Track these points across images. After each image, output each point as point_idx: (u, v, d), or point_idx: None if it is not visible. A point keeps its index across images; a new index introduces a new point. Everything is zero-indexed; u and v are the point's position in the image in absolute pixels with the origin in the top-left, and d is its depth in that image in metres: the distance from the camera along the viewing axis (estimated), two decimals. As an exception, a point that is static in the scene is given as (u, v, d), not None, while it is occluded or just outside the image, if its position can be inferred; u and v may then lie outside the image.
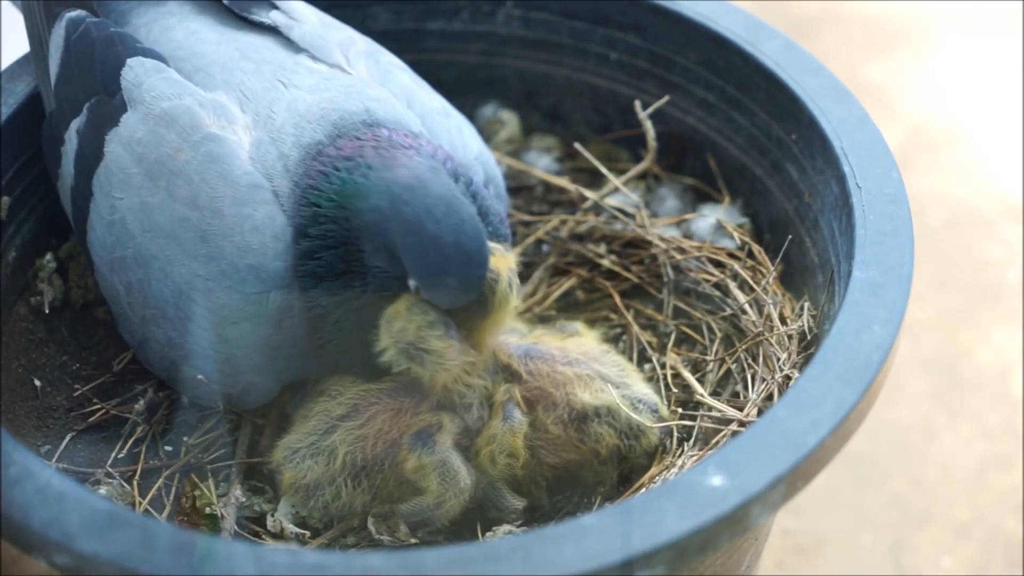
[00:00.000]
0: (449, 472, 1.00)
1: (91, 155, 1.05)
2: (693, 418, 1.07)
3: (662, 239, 1.20)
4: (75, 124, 1.07)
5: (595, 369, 1.05)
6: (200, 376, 1.03)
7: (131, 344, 1.09)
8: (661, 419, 1.05)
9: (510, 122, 1.31)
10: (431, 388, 1.02)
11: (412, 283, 0.97)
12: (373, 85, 1.08)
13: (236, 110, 1.03)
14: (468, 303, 0.99)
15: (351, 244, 0.98)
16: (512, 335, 1.07)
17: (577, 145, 1.26)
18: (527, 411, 1.03)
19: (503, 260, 1.00)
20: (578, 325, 1.11)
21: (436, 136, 1.06)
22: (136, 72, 1.05)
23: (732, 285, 1.15)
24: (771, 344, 1.08)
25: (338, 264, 0.99)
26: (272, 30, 1.11)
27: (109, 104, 1.06)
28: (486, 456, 1.02)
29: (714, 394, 1.10)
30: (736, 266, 1.16)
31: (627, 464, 1.06)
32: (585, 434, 1.03)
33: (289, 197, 1.00)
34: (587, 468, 1.05)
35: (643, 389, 1.06)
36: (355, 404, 1.03)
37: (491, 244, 0.99)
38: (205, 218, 1.00)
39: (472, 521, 1.03)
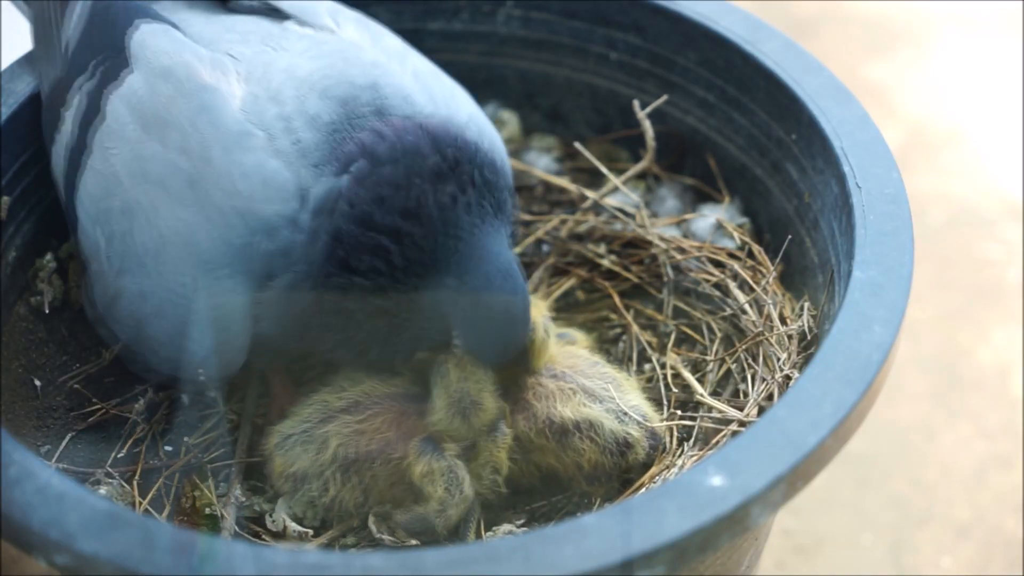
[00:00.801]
0: (455, 480, 1.00)
1: (93, 112, 1.06)
2: (693, 418, 1.07)
3: (662, 239, 1.20)
4: (84, 85, 1.08)
5: (579, 383, 1.04)
6: (165, 335, 1.02)
7: (100, 305, 1.07)
8: (651, 429, 1.05)
9: (510, 122, 1.31)
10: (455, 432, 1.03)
11: (457, 344, 1.00)
12: (367, 48, 1.08)
13: (230, 66, 1.03)
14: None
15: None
16: None
17: (577, 145, 1.26)
18: (511, 424, 1.03)
19: (536, 310, 1.03)
20: (574, 332, 1.11)
21: (431, 93, 1.06)
22: (143, 33, 1.06)
23: (732, 285, 1.15)
24: (771, 344, 1.08)
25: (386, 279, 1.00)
26: (259, 13, 1.11)
27: (115, 62, 1.06)
28: (473, 472, 1.02)
29: (714, 394, 1.10)
30: (736, 266, 1.16)
31: (619, 481, 1.05)
32: (566, 447, 1.03)
33: (308, 174, 0.99)
34: (575, 483, 1.05)
35: (632, 400, 1.05)
36: (357, 400, 1.03)
37: None
38: (194, 165, 1.00)
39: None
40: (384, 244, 0.97)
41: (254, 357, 1.04)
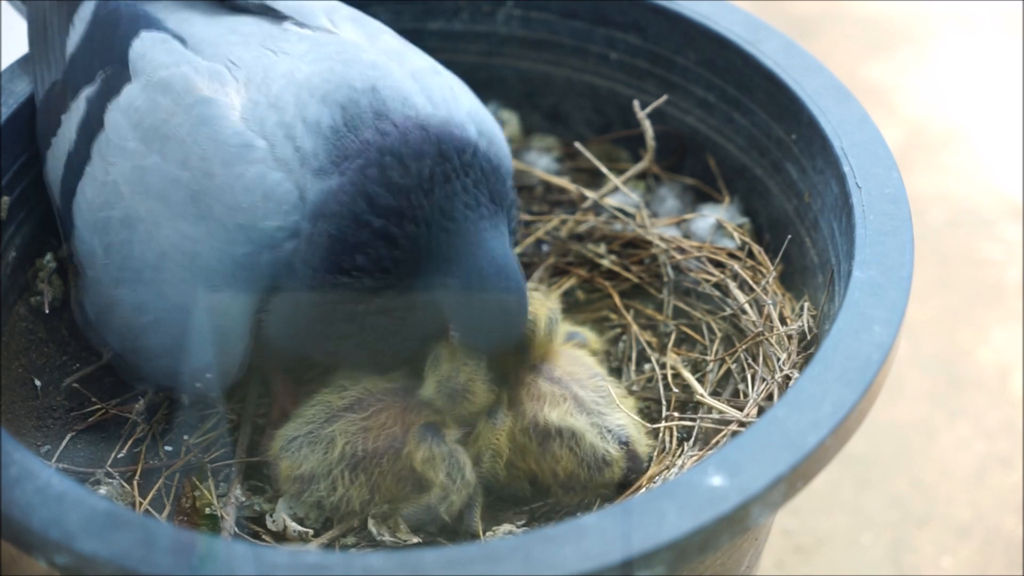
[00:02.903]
0: (456, 465, 1.01)
1: (95, 121, 1.06)
2: (693, 418, 1.07)
3: (662, 239, 1.20)
4: (87, 91, 1.08)
5: (573, 391, 1.05)
6: (161, 347, 1.02)
7: (92, 313, 1.07)
8: (631, 453, 1.04)
9: (510, 122, 1.31)
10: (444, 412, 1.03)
11: (453, 333, 1.00)
12: (366, 48, 1.07)
13: (228, 75, 1.03)
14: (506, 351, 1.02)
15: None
16: None
17: (577, 145, 1.26)
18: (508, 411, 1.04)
19: (542, 305, 1.04)
20: (586, 333, 1.11)
21: (430, 93, 1.06)
22: (143, 43, 1.06)
23: (732, 285, 1.15)
24: (771, 344, 1.08)
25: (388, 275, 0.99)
26: (258, 13, 1.11)
27: (119, 74, 1.06)
28: (472, 456, 1.02)
29: (714, 394, 1.10)
30: (736, 266, 1.16)
31: (590, 495, 1.05)
32: (546, 451, 1.03)
33: (308, 181, 0.99)
34: (551, 489, 1.05)
35: (618, 421, 1.05)
36: (359, 398, 1.04)
37: (531, 291, 1.02)
38: (195, 179, 1.00)
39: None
40: (373, 242, 0.97)
41: (258, 360, 1.04)
